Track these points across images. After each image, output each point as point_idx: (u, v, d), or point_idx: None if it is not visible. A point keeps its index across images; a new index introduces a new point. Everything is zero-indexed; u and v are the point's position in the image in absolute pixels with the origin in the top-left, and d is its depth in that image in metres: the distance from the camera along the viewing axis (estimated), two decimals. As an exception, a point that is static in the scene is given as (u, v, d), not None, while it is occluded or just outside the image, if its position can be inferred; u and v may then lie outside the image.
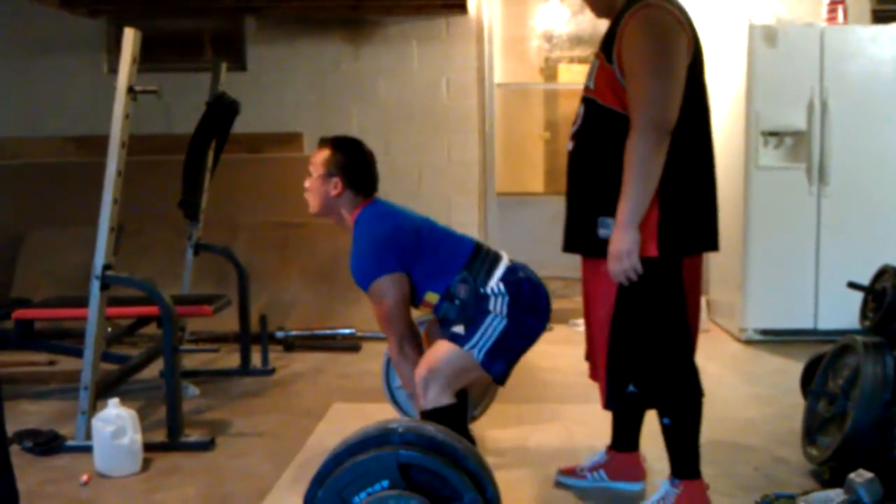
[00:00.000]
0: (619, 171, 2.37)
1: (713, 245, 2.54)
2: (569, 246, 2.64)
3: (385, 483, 1.82)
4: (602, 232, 2.45)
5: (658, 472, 2.92)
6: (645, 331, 2.48)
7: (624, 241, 2.36)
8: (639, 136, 2.33)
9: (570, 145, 2.61)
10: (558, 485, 2.95)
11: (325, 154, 2.82)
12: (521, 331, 2.65)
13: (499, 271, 2.69)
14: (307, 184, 2.85)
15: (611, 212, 2.41)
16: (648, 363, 2.50)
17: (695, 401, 2.57)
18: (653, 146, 2.33)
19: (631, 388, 2.51)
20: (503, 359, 2.64)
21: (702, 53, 2.47)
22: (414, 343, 2.72)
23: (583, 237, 2.53)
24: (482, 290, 2.67)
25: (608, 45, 2.46)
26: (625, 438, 2.91)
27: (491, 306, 2.63)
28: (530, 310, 2.67)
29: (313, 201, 2.84)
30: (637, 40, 2.36)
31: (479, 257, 2.74)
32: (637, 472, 2.92)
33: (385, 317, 2.69)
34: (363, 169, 2.83)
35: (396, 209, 2.84)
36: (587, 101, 2.53)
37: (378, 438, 1.89)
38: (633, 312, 2.47)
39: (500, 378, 2.70)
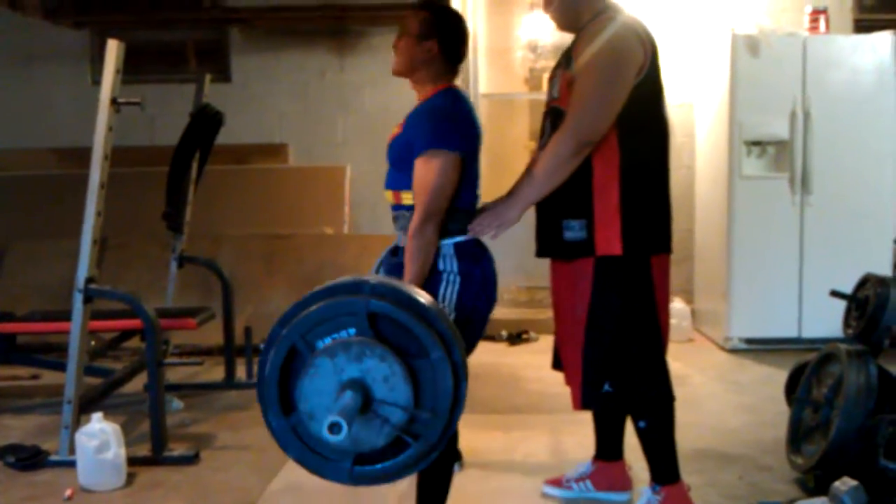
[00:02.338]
0: (581, 175, 2.48)
1: (670, 247, 2.62)
2: (540, 251, 2.73)
3: (352, 331, 1.76)
4: (567, 234, 2.54)
5: (644, 482, 2.92)
6: (619, 329, 2.53)
7: (510, 213, 2.48)
8: (563, 138, 2.44)
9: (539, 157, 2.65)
10: (544, 496, 2.95)
11: (423, 16, 2.60)
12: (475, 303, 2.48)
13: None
14: (399, 44, 2.61)
15: (574, 215, 2.52)
16: (623, 362, 2.54)
17: (667, 402, 2.60)
18: (571, 152, 2.44)
19: (606, 387, 2.55)
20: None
21: (659, 68, 2.55)
22: (437, 228, 2.44)
23: (550, 240, 2.62)
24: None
25: (570, 58, 2.55)
26: (608, 447, 2.92)
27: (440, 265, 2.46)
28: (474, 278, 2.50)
29: (400, 61, 2.60)
30: (591, 49, 2.46)
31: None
32: (623, 482, 2.93)
33: (425, 188, 2.41)
34: (460, 37, 2.63)
35: None
36: (553, 111, 2.60)
37: (349, 286, 1.81)
38: (607, 311, 2.53)
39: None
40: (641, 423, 2.60)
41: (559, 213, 2.55)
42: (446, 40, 2.58)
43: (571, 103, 2.46)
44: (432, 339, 1.74)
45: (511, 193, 2.56)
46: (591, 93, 2.44)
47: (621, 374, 2.55)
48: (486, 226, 2.48)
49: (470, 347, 2.45)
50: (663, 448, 2.61)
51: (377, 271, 2.66)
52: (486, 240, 2.52)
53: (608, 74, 2.45)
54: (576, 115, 2.44)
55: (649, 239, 2.56)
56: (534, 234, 2.75)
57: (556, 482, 2.97)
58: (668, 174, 2.62)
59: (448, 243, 2.44)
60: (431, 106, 2.50)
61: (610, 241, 2.49)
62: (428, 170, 2.41)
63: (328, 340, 1.75)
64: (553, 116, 2.60)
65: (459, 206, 2.45)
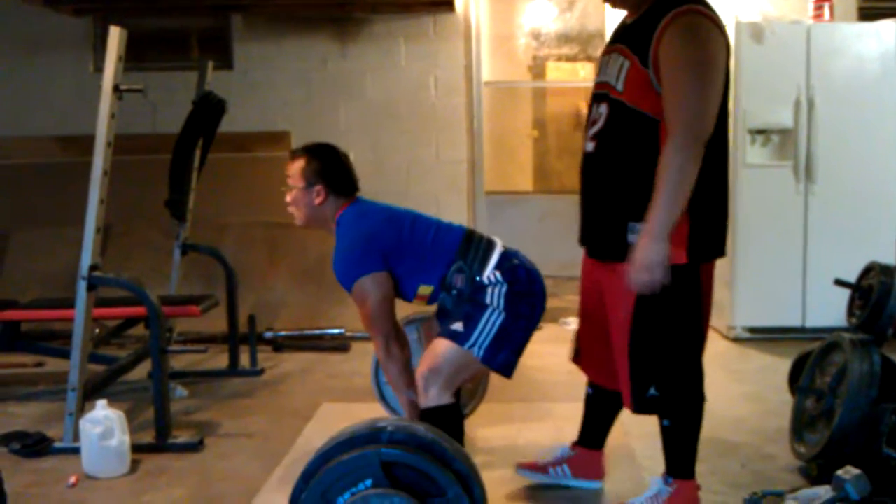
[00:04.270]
0: (650, 176, 2.34)
1: (724, 251, 2.55)
2: (591, 248, 2.62)
3: (369, 482, 1.81)
4: (632, 237, 2.40)
5: (647, 469, 2.93)
6: (667, 335, 2.47)
7: (656, 251, 2.30)
8: (677, 147, 2.30)
9: (589, 146, 2.53)
10: (514, 495, 2.91)
11: (300, 164, 2.80)
12: (519, 320, 2.64)
13: (493, 259, 2.68)
14: (289, 198, 2.82)
15: (641, 217, 2.36)
16: (669, 367, 2.49)
17: (697, 404, 2.56)
18: (690, 157, 2.30)
19: (652, 391, 2.50)
20: (505, 350, 2.63)
21: (729, 64, 2.44)
22: (399, 342, 2.71)
23: (609, 241, 2.48)
24: (478, 279, 2.66)
25: (639, 44, 2.39)
26: (594, 436, 2.90)
27: (488, 299, 2.62)
28: (525, 297, 2.66)
29: (299, 214, 2.82)
30: (679, 48, 2.32)
31: (473, 244, 2.72)
32: (599, 471, 2.91)
33: (368, 317, 2.68)
34: (341, 171, 2.81)
35: (378, 206, 2.83)
36: (613, 102, 2.45)
37: (367, 437, 1.88)
38: (655, 317, 2.44)
39: (505, 369, 2.67)
40: (666, 422, 2.56)
41: (624, 214, 2.41)
42: (329, 178, 2.79)
43: (670, 108, 2.32)
44: (448, 478, 1.82)
45: (643, 232, 2.37)
46: (691, 93, 2.31)
47: (667, 379, 2.49)
48: (646, 282, 2.33)
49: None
50: (685, 446, 2.58)
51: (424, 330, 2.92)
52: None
53: (702, 70, 2.32)
54: (683, 120, 2.30)
55: (710, 246, 2.47)
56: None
57: (531, 466, 2.95)
58: (728, 177, 2.52)
59: (492, 269, 2.67)
60: (338, 246, 2.74)
61: (676, 249, 2.35)
62: (363, 302, 2.67)
63: (347, 496, 1.83)
64: (612, 107, 2.45)
65: (443, 257, 2.68)
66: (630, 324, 2.46)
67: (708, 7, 2.40)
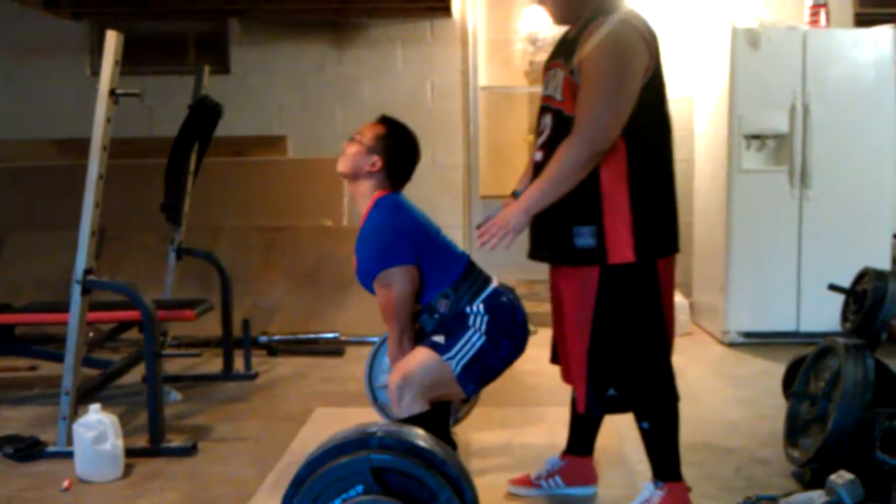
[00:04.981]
0: (588, 179, 2.44)
1: (678, 247, 2.59)
2: (537, 254, 2.67)
3: (360, 488, 1.81)
4: (578, 241, 2.48)
5: (640, 474, 2.93)
6: (624, 334, 2.50)
7: (520, 221, 2.48)
8: (575, 146, 2.41)
9: (538, 155, 2.60)
10: (510, 496, 2.91)
11: (378, 130, 2.79)
12: (497, 351, 2.64)
13: (483, 294, 2.69)
14: (348, 147, 2.79)
15: (584, 221, 2.47)
16: (628, 366, 2.52)
17: (671, 404, 2.58)
18: (584, 160, 2.41)
19: (611, 391, 2.52)
20: (476, 377, 2.62)
21: (662, 67, 2.51)
22: (412, 337, 2.68)
23: (556, 246, 2.55)
24: (463, 308, 2.66)
25: (570, 56, 2.49)
26: (582, 443, 2.91)
27: (470, 322, 2.63)
28: (506, 332, 2.66)
29: (345, 165, 2.77)
30: (596, 55, 2.41)
31: (470, 278, 2.72)
32: (591, 476, 2.92)
33: (391, 306, 2.64)
34: (406, 163, 2.81)
35: (415, 208, 2.82)
36: (554, 112, 2.54)
37: (357, 442, 1.87)
38: (612, 317, 2.49)
39: (469, 395, 2.72)
40: (644, 425, 2.58)
41: (567, 218, 2.49)
42: (393, 160, 2.78)
43: (579, 111, 2.42)
44: (439, 483, 1.80)
45: (517, 199, 2.53)
46: (600, 100, 2.40)
47: (626, 378, 2.52)
48: (493, 234, 2.47)
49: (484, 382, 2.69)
50: (667, 447, 2.59)
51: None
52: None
53: (616, 80, 2.40)
54: (586, 123, 2.39)
55: (659, 243, 2.52)
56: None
57: (524, 481, 2.94)
58: (674, 173, 2.58)
59: (479, 303, 2.65)
60: (371, 227, 2.69)
61: (622, 248, 2.45)
62: (388, 291, 2.63)
63: (338, 503, 1.82)
64: (554, 117, 2.54)
65: (445, 280, 2.66)
66: (590, 325, 2.50)
67: (635, 17, 2.48)
